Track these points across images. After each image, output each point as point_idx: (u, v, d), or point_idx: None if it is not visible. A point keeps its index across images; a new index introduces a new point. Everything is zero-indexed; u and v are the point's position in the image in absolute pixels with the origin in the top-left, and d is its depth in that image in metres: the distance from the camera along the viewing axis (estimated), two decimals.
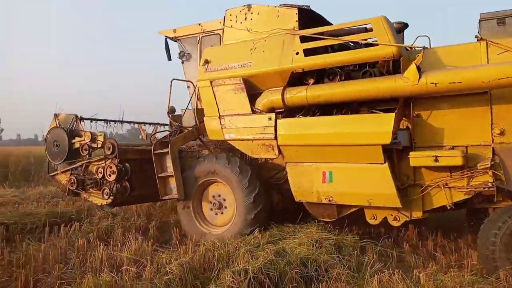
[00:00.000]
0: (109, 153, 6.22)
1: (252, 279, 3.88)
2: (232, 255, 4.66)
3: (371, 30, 5.13)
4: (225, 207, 6.06)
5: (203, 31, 6.61)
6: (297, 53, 5.19)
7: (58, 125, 6.99)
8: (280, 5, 5.72)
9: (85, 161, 6.61)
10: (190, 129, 6.41)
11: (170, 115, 6.77)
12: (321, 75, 5.39)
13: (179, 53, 6.91)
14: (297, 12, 5.55)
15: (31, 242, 5.60)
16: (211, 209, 6.15)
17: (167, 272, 4.07)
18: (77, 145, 6.74)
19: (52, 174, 7.17)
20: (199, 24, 6.66)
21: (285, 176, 5.69)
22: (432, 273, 4.21)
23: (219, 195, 6.11)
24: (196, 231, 6.01)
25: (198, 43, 6.67)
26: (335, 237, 5.19)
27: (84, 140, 6.61)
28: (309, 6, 5.75)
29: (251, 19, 5.86)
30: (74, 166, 6.73)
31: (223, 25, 6.15)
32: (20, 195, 9.72)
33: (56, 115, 7.11)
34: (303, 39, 5.26)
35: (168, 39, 6.99)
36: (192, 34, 6.76)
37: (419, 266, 4.56)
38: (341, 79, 5.20)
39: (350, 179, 5.12)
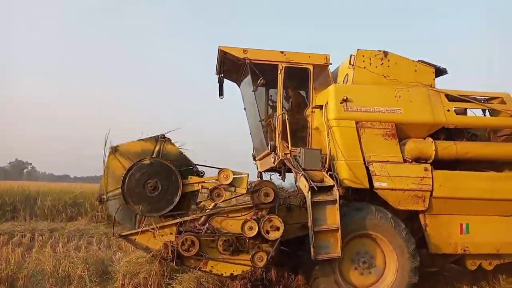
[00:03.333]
0: (267, 201, 4.74)
1: None
2: None
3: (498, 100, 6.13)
4: (374, 267, 5.28)
5: (288, 61, 6.15)
6: (448, 110, 5.68)
7: (130, 161, 4.96)
8: (418, 61, 6.07)
9: (215, 212, 4.86)
10: (319, 173, 5.20)
11: (281, 154, 5.76)
12: (449, 133, 5.88)
13: (259, 79, 5.95)
14: (434, 71, 6.05)
15: None
16: (356, 269, 5.25)
17: None
18: (193, 188, 5.05)
19: (128, 233, 4.88)
20: (282, 52, 6.17)
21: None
22: None
23: (367, 253, 5.30)
24: None
25: (281, 73, 6.14)
26: None
27: (218, 181, 4.97)
28: (446, 69, 6.23)
29: (388, 66, 5.95)
30: (184, 220, 4.84)
31: (353, 64, 5.94)
32: None
33: (115, 150, 5.06)
34: (448, 97, 5.80)
35: (224, 59, 6.28)
36: (271, 61, 6.19)
37: None
38: (467, 139, 5.90)
39: (485, 230, 5.63)
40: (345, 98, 5.52)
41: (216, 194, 4.92)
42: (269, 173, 6.89)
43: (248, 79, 6.24)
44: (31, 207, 13.30)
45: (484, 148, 5.87)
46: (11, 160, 73.69)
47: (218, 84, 6.86)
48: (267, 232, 4.67)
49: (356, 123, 5.53)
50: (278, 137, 6.09)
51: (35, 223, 11.59)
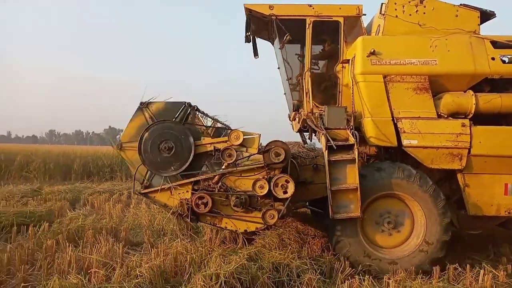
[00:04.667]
0: (277, 161, 4.82)
1: (223, 284, 3.86)
2: (205, 259, 4.62)
3: None
4: (400, 227, 5.10)
5: (317, 15, 5.83)
6: (493, 59, 5.09)
7: (152, 119, 5.11)
8: (460, 5, 5.49)
9: (227, 171, 4.95)
10: (343, 131, 5.15)
11: (303, 113, 5.67)
12: (495, 85, 5.34)
13: (284, 36, 5.76)
14: (479, 15, 5.43)
15: None
16: (381, 230, 5.09)
17: (137, 276, 4.01)
18: (205, 148, 5.12)
19: (146, 191, 5.13)
20: (310, 6, 5.85)
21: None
22: (401, 280, 4.29)
23: (392, 213, 5.11)
24: (362, 255, 4.93)
25: (308, 28, 5.84)
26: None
27: (229, 142, 5.02)
28: (494, 12, 5.59)
29: (424, 13, 5.42)
30: (197, 178, 5.00)
31: (383, 13, 5.48)
32: None
33: (146, 104, 5.15)
34: (494, 44, 5.18)
35: (251, 17, 5.99)
36: (299, 15, 5.88)
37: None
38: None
39: None
40: (372, 50, 5.12)
41: (227, 155, 4.95)
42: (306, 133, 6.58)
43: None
44: (126, 168, 14.67)
45: None
46: (105, 127, 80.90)
47: (252, 45, 6.51)
48: (282, 191, 4.76)
49: (384, 77, 5.15)
50: (306, 95, 5.86)
51: (130, 183, 12.79)
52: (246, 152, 5.08)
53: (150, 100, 5.16)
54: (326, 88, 6.19)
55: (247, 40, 6.26)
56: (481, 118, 5.09)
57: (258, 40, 6.62)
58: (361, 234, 4.97)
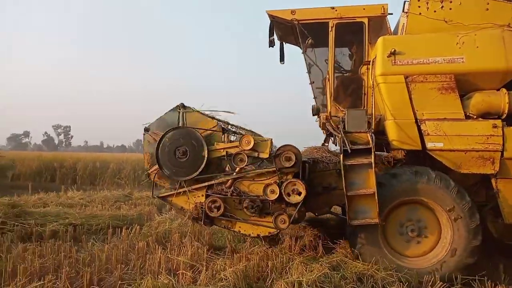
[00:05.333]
0: (288, 165, 4.80)
1: None
2: (286, 265, 4.62)
3: None
4: (425, 234, 4.90)
5: (340, 17, 5.77)
6: None
7: (182, 124, 5.26)
8: None
9: (239, 176, 5.00)
10: (363, 135, 5.04)
11: (324, 116, 5.69)
12: None
13: (307, 42, 5.78)
14: None
15: (95, 242, 5.93)
16: (403, 236, 4.93)
17: (222, 279, 4.13)
18: (218, 154, 5.15)
19: (165, 194, 5.30)
20: (333, 8, 5.81)
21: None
22: None
23: (414, 220, 4.93)
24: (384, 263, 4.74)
25: (331, 31, 5.78)
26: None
27: (240, 147, 5.01)
28: None
29: (450, 8, 5.11)
30: (211, 183, 5.07)
31: (406, 11, 5.26)
32: (86, 197, 10.33)
33: (147, 130, 5.36)
34: None
35: (275, 23, 6.01)
36: (321, 18, 5.84)
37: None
38: None
39: None
40: (392, 50, 4.87)
41: (239, 159, 4.98)
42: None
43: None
44: None
45: None
46: None
47: (279, 50, 6.39)
48: (289, 195, 4.75)
49: (406, 77, 4.88)
50: (330, 99, 5.77)
51: None
52: (258, 156, 5.05)
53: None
54: (353, 91, 6.01)
55: (271, 44, 6.12)
56: None
57: (287, 45, 6.47)
58: (383, 241, 4.83)
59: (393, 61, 4.92)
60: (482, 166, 4.74)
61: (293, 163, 4.78)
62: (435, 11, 5.13)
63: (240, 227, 5.07)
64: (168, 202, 5.34)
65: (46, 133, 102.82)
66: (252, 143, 4.97)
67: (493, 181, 4.80)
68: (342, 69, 6.50)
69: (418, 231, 4.89)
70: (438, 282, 4.27)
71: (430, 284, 4.29)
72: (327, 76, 5.92)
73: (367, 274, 4.35)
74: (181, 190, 5.15)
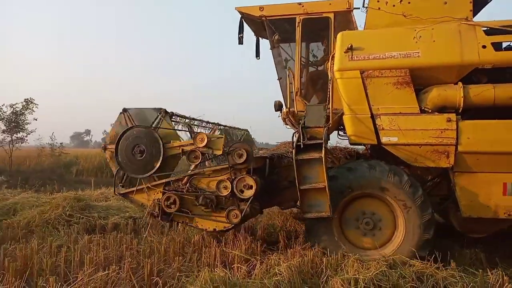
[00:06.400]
0: (240, 162, 4.98)
1: None
2: (341, 262, 4.55)
3: None
4: (380, 227, 5.03)
5: (306, 13, 5.81)
6: (484, 47, 4.63)
7: (133, 123, 5.45)
8: None
9: (194, 173, 5.23)
10: (322, 130, 5.12)
11: (284, 112, 5.85)
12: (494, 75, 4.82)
13: (273, 38, 5.94)
14: (471, 1, 5.00)
15: (153, 235, 6.18)
16: (358, 229, 5.09)
17: (276, 273, 4.14)
18: (174, 151, 5.33)
19: (125, 192, 5.51)
20: (300, 4, 5.86)
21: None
22: None
23: (373, 213, 5.06)
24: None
25: (298, 26, 5.84)
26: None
27: (195, 144, 5.17)
28: None
29: (409, 2, 5.15)
30: (168, 180, 5.31)
31: (365, 6, 5.32)
32: None
33: (125, 110, 5.53)
34: (488, 31, 4.73)
35: (244, 20, 6.10)
36: (289, 15, 5.90)
37: None
38: None
39: None
40: (349, 46, 4.90)
41: (193, 157, 5.19)
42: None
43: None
44: None
45: None
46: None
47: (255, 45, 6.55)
48: (241, 191, 4.94)
49: (362, 72, 4.90)
50: (291, 94, 5.90)
51: None
52: (212, 153, 5.19)
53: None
54: (321, 86, 6.01)
55: (240, 41, 6.18)
56: (484, 112, 4.63)
57: (263, 41, 6.50)
58: (339, 232, 5.03)
59: (350, 57, 4.95)
60: (437, 160, 4.77)
61: (244, 159, 4.95)
62: (394, 6, 5.14)
63: (197, 222, 5.28)
64: (129, 199, 5.57)
65: (105, 131, 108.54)
66: (206, 140, 5.14)
67: (451, 174, 4.86)
68: (311, 64, 6.56)
69: (373, 224, 5.01)
70: (507, 284, 4.00)
71: (498, 285, 4.03)
72: (291, 72, 5.91)
73: (427, 273, 4.16)
74: (140, 187, 5.40)
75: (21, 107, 16.38)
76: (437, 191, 5.50)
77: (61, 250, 5.00)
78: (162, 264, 4.69)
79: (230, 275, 4.10)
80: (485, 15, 5.27)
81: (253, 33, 6.57)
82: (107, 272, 4.16)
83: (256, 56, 6.57)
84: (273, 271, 4.22)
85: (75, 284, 3.93)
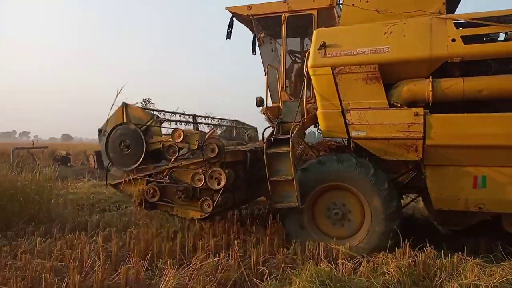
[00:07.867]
0: (212, 156, 5.27)
1: None
2: (457, 266, 4.19)
3: None
4: (349, 218, 5.27)
5: (290, 10, 6.02)
6: (454, 40, 4.56)
7: (127, 120, 5.83)
8: None
9: (172, 166, 5.57)
10: (297, 125, 5.36)
11: (263, 108, 6.14)
12: (467, 68, 4.75)
13: (259, 35, 6.23)
14: None
15: (258, 226, 6.38)
16: (329, 219, 5.35)
17: (384, 273, 3.99)
18: (156, 146, 5.69)
19: (115, 182, 6.01)
20: (285, 2, 6.05)
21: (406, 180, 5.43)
22: None
23: (342, 204, 5.29)
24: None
25: (283, 23, 6.06)
26: None
27: (173, 140, 5.54)
28: None
29: None
30: (151, 172, 5.71)
31: (340, 3, 5.43)
32: None
33: (126, 105, 5.87)
34: (458, 24, 4.69)
35: (235, 18, 6.35)
36: (275, 12, 6.12)
37: None
38: (494, 73, 4.58)
39: (509, 184, 4.60)
40: (322, 43, 5.01)
41: (171, 151, 5.57)
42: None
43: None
44: None
45: (506, 82, 4.41)
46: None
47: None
48: (219, 184, 5.25)
49: (333, 69, 4.99)
50: (282, 90, 6.16)
51: None
52: (188, 148, 5.51)
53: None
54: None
55: (228, 36, 6.38)
56: (459, 106, 4.65)
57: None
58: (312, 225, 5.35)
59: (323, 54, 5.04)
60: (405, 154, 4.84)
61: (216, 153, 5.24)
62: (367, 1, 5.12)
63: (177, 210, 5.66)
64: (119, 189, 6.05)
65: None
66: (182, 136, 5.46)
67: (422, 167, 4.94)
68: (296, 61, 6.74)
69: (342, 214, 5.25)
70: None
71: None
72: (271, 69, 6.12)
73: None
74: (127, 178, 5.88)
75: None
76: (416, 183, 5.51)
77: (176, 236, 5.46)
78: (267, 254, 4.83)
79: (335, 270, 4.05)
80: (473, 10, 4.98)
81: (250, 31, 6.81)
82: (217, 258, 4.43)
83: (253, 52, 6.82)
84: (381, 270, 4.08)
85: (189, 268, 4.24)
